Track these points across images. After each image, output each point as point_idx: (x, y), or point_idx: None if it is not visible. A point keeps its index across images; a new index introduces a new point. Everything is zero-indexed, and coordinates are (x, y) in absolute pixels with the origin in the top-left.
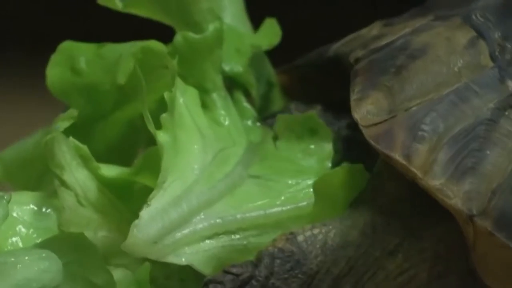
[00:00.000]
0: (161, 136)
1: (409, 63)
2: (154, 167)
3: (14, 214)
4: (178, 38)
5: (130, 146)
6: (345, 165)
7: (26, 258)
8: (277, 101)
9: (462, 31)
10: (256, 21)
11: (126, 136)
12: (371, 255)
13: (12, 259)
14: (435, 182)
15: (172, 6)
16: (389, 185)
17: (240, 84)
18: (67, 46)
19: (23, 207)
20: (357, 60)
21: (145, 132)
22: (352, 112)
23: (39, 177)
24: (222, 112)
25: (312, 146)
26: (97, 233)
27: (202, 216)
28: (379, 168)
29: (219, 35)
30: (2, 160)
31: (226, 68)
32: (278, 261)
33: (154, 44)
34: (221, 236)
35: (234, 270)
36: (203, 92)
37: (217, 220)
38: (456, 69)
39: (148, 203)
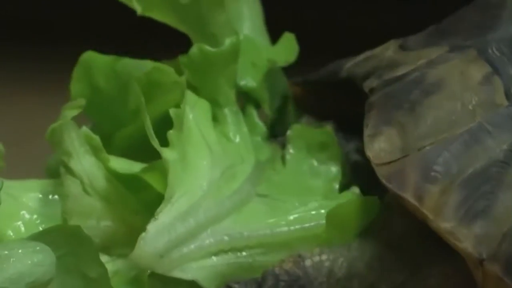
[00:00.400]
0: (167, 153)
1: (424, 99)
2: (164, 171)
3: (20, 200)
4: (194, 50)
5: (148, 155)
6: (359, 196)
7: (20, 251)
8: (291, 114)
9: (477, 65)
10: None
11: (144, 145)
12: None
13: (6, 252)
14: (446, 224)
15: (190, 16)
16: (398, 221)
17: (254, 99)
18: (86, 59)
19: (29, 193)
20: (372, 90)
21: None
22: (365, 149)
23: None
24: (233, 127)
25: (320, 165)
26: (100, 223)
27: (209, 232)
28: (389, 202)
29: (236, 50)
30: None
31: (241, 82)
32: (282, 283)
33: (164, 66)
34: (227, 253)
35: (236, 286)
36: (215, 105)
37: (224, 237)
38: (470, 107)
39: (156, 217)
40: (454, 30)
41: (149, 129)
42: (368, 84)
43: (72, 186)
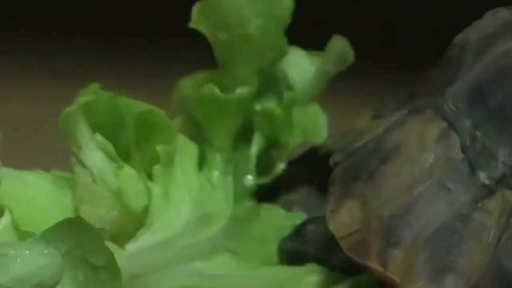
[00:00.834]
0: (151, 185)
1: (381, 167)
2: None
3: (36, 189)
4: (206, 89)
5: None
6: (352, 279)
7: (27, 252)
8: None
9: (434, 124)
10: None
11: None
12: None
13: (13, 252)
14: (414, 285)
15: (226, 47)
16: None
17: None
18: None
19: (44, 184)
20: (336, 165)
21: None
22: (328, 224)
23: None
24: (218, 176)
25: None
26: (110, 212)
27: (183, 267)
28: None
29: (245, 101)
30: None
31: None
32: None
33: (156, 109)
34: None
35: None
36: (209, 147)
37: (194, 277)
38: (427, 165)
39: (136, 238)
40: (418, 93)
41: (142, 175)
42: (333, 160)
43: (83, 175)
